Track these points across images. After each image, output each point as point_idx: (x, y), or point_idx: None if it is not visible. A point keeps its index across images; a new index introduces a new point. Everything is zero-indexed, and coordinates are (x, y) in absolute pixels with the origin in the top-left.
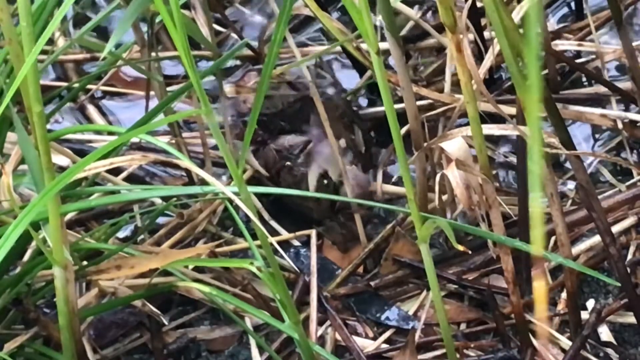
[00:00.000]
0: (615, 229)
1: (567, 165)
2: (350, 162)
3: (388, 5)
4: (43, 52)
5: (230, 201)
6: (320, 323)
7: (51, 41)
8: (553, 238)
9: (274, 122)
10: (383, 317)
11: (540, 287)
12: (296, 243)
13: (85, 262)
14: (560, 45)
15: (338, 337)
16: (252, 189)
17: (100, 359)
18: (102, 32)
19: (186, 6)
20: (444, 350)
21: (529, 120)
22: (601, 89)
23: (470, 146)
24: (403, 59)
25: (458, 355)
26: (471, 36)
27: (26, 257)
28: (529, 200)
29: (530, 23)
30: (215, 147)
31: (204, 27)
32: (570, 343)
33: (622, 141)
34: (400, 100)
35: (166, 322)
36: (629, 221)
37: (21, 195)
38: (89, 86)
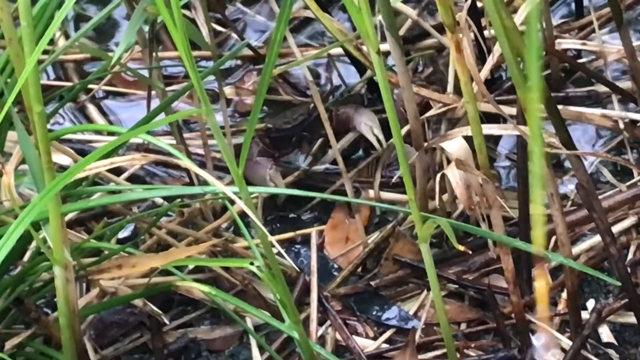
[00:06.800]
0: (616, 229)
1: (568, 165)
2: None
3: (388, 5)
4: (44, 52)
5: (231, 201)
6: (320, 323)
7: (52, 41)
8: (553, 238)
9: (296, 134)
10: (383, 317)
11: (541, 287)
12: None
13: (86, 262)
14: (564, 44)
15: (338, 337)
16: (252, 188)
17: (100, 358)
18: (102, 32)
19: (186, 6)
20: (444, 350)
21: (530, 121)
22: (602, 88)
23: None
24: (403, 59)
25: (458, 355)
26: (471, 35)
27: (26, 257)
28: (530, 200)
29: (531, 24)
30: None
31: (204, 27)
32: (570, 343)
33: (623, 141)
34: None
35: (167, 322)
36: (629, 221)
37: (22, 195)
38: (90, 86)
